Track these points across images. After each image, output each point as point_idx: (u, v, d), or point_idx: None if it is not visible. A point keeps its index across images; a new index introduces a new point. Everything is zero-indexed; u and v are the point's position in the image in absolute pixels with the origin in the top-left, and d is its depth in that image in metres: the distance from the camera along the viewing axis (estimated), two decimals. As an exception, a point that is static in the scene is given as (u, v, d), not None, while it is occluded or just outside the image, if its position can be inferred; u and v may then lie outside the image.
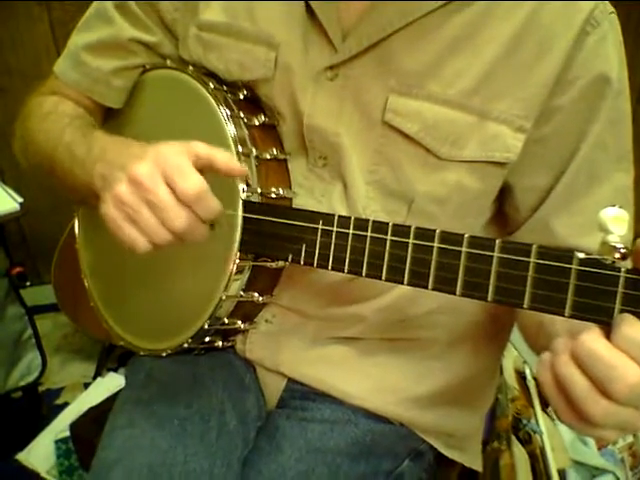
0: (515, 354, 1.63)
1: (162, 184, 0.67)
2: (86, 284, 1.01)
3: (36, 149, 0.89)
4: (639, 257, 0.50)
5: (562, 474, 1.47)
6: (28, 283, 1.85)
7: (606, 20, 0.73)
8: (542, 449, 1.46)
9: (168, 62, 0.89)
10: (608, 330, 0.51)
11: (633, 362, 0.49)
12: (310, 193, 0.84)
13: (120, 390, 0.96)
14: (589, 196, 0.77)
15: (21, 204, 1.60)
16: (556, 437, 1.52)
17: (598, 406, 0.51)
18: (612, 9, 0.75)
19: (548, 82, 0.73)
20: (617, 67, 0.74)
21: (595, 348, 0.50)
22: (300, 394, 0.93)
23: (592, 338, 0.51)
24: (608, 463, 1.57)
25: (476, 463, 1.01)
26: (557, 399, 0.54)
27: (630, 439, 1.65)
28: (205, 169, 0.70)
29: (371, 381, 0.90)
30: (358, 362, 0.91)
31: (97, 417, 1.40)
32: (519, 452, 1.40)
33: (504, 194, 0.82)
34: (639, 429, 0.54)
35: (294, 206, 0.83)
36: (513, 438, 1.41)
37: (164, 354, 0.87)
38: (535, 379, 1.56)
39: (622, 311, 0.51)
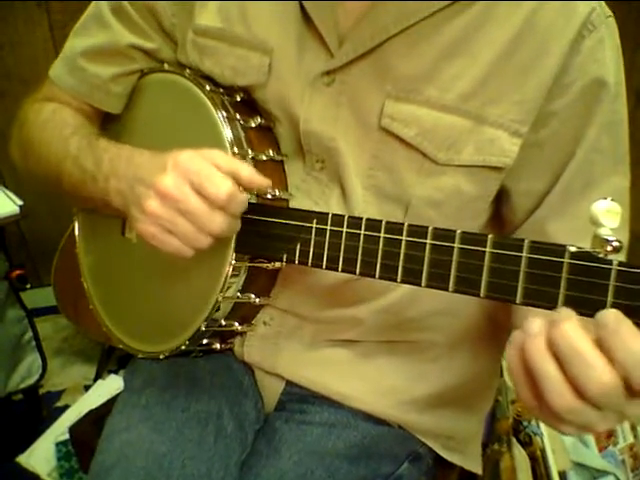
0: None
1: (191, 192, 0.68)
2: (86, 287, 1.02)
3: (38, 160, 0.88)
4: None
5: (563, 476, 1.47)
6: (28, 285, 1.85)
7: (603, 24, 0.73)
8: (543, 451, 1.46)
9: (165, 65, 0.89)
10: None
11: (611, 365, 0.48)
12: (308, 196, 0.84)
13: (120, 393, 0.96)
14: (585, 199, 0.76)
15: (21, 207, 1.60)
16: (557, 439, 1.51)
17: (564, 400, 0.50)
18: (610, 12, 0.74)
19: (544, 86, 0.72)
20: (614, 71, 0.74)
21: (578, 344, 0.49)
22: (298, 397, 0.93)
23: (574, 330, 0.49)
24: (609, 465, 1.56)
25: (476, 466, 1.01)
26: (522, 381, 0.53)
27: (631, 440, 1.64)
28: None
29: (370, 384, 0.90)
30: (356, 365, 0.90)
31: (96, 420, 1.40)
32: (519, 454, 1.39)
33: (501, 197, 0.82)
34: (597, 431, 0.53)
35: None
36: (513, 440, 1.41)
37: (162, 357, 0.87)
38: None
39: (614, 304, 0.50)
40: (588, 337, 0.49)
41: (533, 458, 1.44)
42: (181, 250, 0.71)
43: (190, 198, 0.68)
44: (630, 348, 0.47)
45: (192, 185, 0.68)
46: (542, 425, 1.51)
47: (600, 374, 0.48)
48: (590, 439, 1.61)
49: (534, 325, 0.52)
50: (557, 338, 0.50)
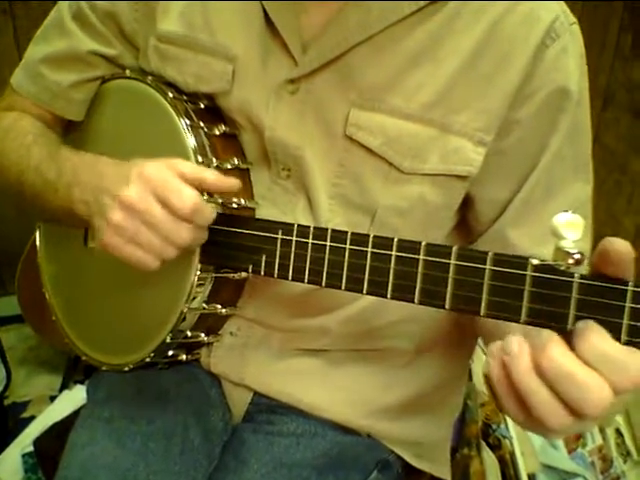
0: (485, 359, 1.64)
1: (155, 204, 0.67)
2: (47, 297, 0.99)
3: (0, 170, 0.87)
4: (602, 260, 0.49)
5: (532, 479, 1.48)
6: (-8, 294, 1.82)
7: (567, 32, 0.73)
8: (512, 454, 1.47)
9: (127, 72, 0.87)
10: (567, 337, 0.49)
11: (604, 381, 0.47)
12: (274, 205, 0.83)
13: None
14: (546, 207, 0.77)
15: (-17, 214, 1.57)
16: (526, 442, 1.52)
17: (560, 420, 0.49)
18: (574, 19, 0.74)
19: (508, 95, 0.72)
20: (577, 79, 0.74)
21: (568, 368, 0.47)
22: (266, 407, 0.92)
23: (561, 353, 0.48)
24: (578, 467, 1.58)
25: (445, 472, 1.01)
26: (508, 397, 0.51)
27: (599, 442, 1.66)
28: (192, 187, 0.70)
29: (338, 393, 0.89)
30: (325, 374, 0.90)
31: (61, 433, 1.37)
32: (489, 458, 1.40)
33: (466, 205, 0.82)
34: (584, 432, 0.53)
35: (257, 217, 0.82)
36: (483, 444, 1.42)
37: (126, 369, 0.85)
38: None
39: (577, 317, 0.50)
40: (574, 356, 0.48)
41: (502, 461, 1.45)
42: (146, 260, 0.70)
43: (155, 210, 0.67)
44: (599, 348, 0.47)
45: (156, 196, 0.67)
46: (511, 428, 1.52)
47: (596, 395, 0.47)
48: (559, 441, 1.62)
49: (514, 343, 0.50)
50: (545, 363, 0.48)
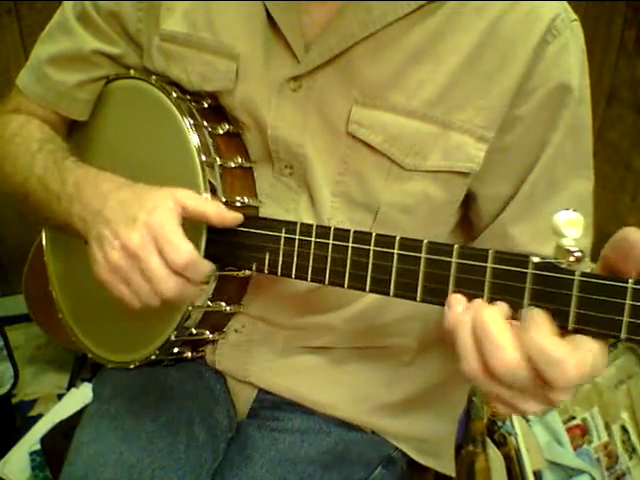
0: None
1: (154, 254, 0.68)
2: (54, 296, 1.00)
3: (4, 176, 0.87)
4: (608, 262, 0.50)
5: (538, 475, 1.48)
6: (-1, 293, 1.83)
7: (568, 29, 0.73)
8: (517, 451, 1.47)
9: (131, 72, 0.88)
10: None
11: (518, 348, 0.50)
12: (277, 202, 0.83)
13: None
14: (548, 204, 0.77)
15: (-10, 213, 1.58)
16: (531, 438, 1.52)
17: (470, 367, 0.54)
18: (575, 16, 0.74)
19: (509, 92, 0.73)
20: (578, 76, 0.74)
21: (490, 324, 0.52)
22: (271, 404, 0.92)
23: (492, 314, 0.53)
24: (584, 463, 1.57)
25: (449, 468, 1.01)
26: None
27: (605, 438, 1.66)
28: (195, 219, 0.72)
29: (343, 390, 0.90)
30: (329, 371, 0.90)
31: (67, 430, 1.38)
32: (494, 454, 1.40)
33: (467, 201, 0.82)
34: (527, 413, 0.55)
35: (261, 215, 0.83)
36: (488, 440, 1.42)
37: (132, 366, 0.86)
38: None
39: (577, 314, 0.51)
40: (504, 322, 0.52)
41: (508, 458, 1.45)
42: (130, 300, 0.72)
43: (152, 259, 0.68)
44: (537, 342, 0.49)
45: (156, 245, 0.68)
46: (516, 425, 1.52)
47: (508, 356, 0.50)
48: (565, 438, 1.62)
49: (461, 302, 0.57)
50: (476, 317, 0.53)
